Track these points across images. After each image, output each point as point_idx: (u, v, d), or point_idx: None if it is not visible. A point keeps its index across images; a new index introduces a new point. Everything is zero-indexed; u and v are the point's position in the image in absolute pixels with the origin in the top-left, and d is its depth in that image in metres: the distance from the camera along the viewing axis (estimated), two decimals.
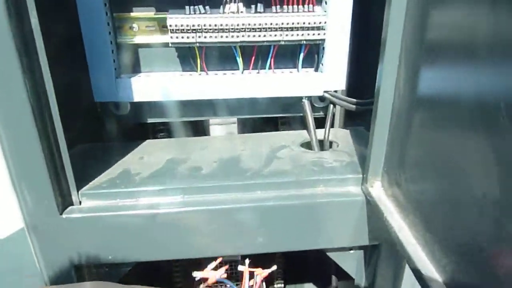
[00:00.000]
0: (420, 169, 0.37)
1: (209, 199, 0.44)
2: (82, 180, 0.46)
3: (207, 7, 0.52)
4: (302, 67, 0.58)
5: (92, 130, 0.60)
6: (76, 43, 0.51)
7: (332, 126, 0.61)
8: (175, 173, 0.48)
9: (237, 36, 0.52)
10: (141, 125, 0.63)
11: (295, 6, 0.53)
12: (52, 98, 0.39)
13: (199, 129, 0.69)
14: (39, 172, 0.40)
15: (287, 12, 0.53)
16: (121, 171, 0.49)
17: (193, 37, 0.52)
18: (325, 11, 0.53)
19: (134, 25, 0.54)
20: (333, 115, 0.61)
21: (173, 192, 0.45)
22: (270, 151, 0.54)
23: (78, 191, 0.44)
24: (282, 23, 0.52)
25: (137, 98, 0.55)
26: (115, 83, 0.54)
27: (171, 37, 0.51)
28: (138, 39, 0.54)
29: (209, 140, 0.61)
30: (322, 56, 0.56)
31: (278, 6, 0.53)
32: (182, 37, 0.52)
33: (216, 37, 0.52)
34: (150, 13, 0.54)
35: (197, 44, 0.52)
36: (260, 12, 0.53)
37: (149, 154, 0.54)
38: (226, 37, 0.52)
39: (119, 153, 0.54)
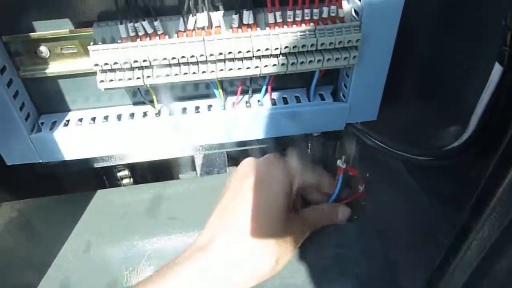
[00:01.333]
0: None
1: None
2: None
3: (156, 23, 0.30)
4: (314, 93, 0.38)
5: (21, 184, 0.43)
6: None
7: None
8: None
9: (212, 71, 0.32)
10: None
11: (307, 10, 0.31)
12: None
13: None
14: None
15: (293, 24, 0.31)
16: None
17: (138, 78, 0.31)
18: (356, 18, 0.32)
19: (42, 48, 0.33)
20: None
21: None
22: None
23: None
24: (286, 47, 0.31)
25: (67, 156, 0.37)
26: (29, 140, 0.35)
27: (101, 81, 0.31)
28: (53, 68, 0.34)
29: (183, 193, 0.43)
30: (348, 77, 0.36)
31: (278, 13, 0.31)
32: (120, 79, 0.31)
33: (176, 74, 0.31)
34: (63, 30, 0.32)
35: (146, 86, 0.32)
36: (248, 26, 0.31)
37: (98, 236, 0.38)
38: (194, 73, 0.32)
39: (56, 232, 0.38)
